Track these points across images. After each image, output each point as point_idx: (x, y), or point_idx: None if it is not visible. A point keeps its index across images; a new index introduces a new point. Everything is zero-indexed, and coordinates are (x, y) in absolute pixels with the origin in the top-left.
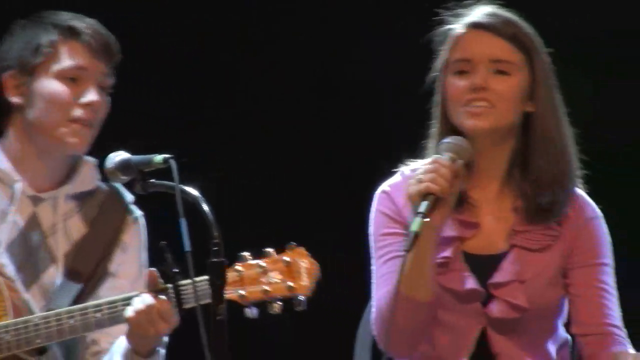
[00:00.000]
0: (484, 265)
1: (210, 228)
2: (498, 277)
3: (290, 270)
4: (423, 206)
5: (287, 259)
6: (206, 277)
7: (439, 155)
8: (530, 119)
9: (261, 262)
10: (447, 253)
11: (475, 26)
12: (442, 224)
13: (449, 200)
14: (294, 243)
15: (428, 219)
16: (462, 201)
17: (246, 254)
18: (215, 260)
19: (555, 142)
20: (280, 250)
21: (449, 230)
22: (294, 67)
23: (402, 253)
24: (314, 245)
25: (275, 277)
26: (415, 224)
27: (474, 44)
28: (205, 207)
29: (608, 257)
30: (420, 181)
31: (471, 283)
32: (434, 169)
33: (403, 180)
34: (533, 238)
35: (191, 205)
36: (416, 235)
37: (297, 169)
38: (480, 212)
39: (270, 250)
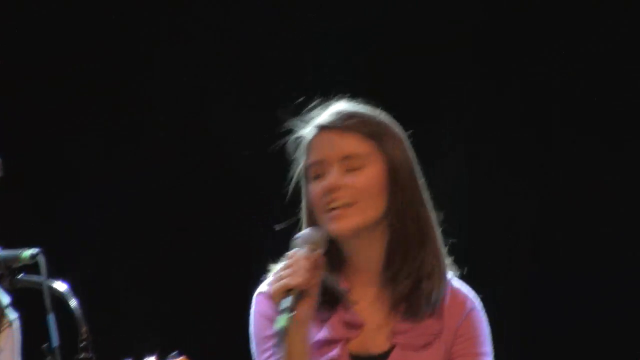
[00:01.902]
0: None
1: (78, 324)
2: None
3: None
4: (286, 302)
5: None
6: None
7: (294, 249)
8: (391, 207)
9: None
10: (334, 353)
11: (321, 128)
12: (308, 316)
13: (313, 291)
14: (177, 352)
15: (293, 314)
16: (345, 302)
17: None
18: (82, 357)
19: (421, 229)
20: (162, 358)
21: (335, 332)
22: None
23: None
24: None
25: None
26: (280, 321)
27: (323, 146)
28: (73, 302)
29: (487, 346)
30: (280, 278)
31: None
32: (291, 263)
33: None
34: (414, 336)
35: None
36: (284, 332)
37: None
38: (363, 312)
39: (152, 358)
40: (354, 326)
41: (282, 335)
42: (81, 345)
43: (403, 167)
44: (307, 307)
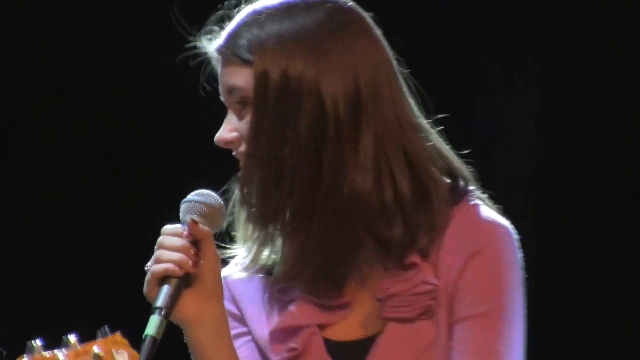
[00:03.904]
0: (353, 356)
1: None
2: None
3: None
4: (159, 297)
5: (97, 350)
6: None
7: (169, 225)
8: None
9: (60, 355)
10: (294, 344)
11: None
12: (205, 315)
13: (204, 277)
14: (107, 328)
15: (163, 316)
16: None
17: (37, 343)
18: None
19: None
20: (87, 338)
21: (303, 318)
22: None
23: None
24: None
25: None
26: (149, 326)
27: (220, 78)
28: None
29: (502, 299)
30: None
31: None
32: (160, 244)
33: None
34: (403, 303)
35: None
36: (153, 342)
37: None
38: (351, 289)
39: (72, 338)
40: (335, 308)
41: (148, 348)
42: None
43: (279, 95)
44: (197, 301)
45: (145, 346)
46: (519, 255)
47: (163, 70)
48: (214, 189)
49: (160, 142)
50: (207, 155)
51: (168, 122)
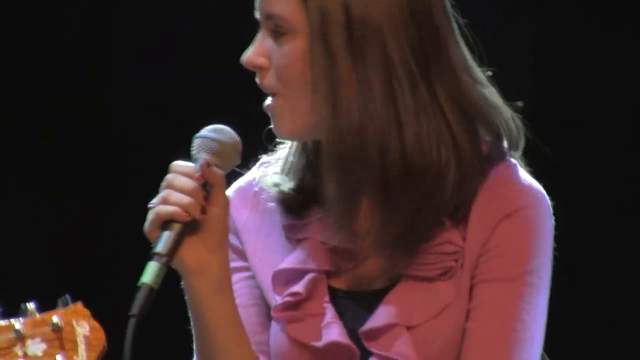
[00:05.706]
0: (359, 307)
1: None
2: (373, 321)
3: (60, 338)
4: (159, 242)
5: (56, 320)
6: None
7: (180, 162)
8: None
9: (16, 324)
10: (299, 287)
11: None
12: (208, 264)
13: (211, 225)
14: (69, 297)
15: (163, 261)
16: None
17: None
18: None
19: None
20: (47, 307)
21: (310, 261)
22: None
23: (249, 302)
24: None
25: (36, 347)
26: (146, 273)
27: None
28: None
29: (534, 268)
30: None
31: (334, 333)
32: (167, 181)
33: (255, 181)
34: (424, 261)
35: None
36: (149, 291)
37: None
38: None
39: (30, 305)
40: (346, 255)
41: (144, 296)
42: None
43: (340, 38)
44: (197, 249)
45: (140, 295)
46: (552, 222)
47: (163, 70)
48: None
49: (160, 142)
50: None
51: (169, 122)
